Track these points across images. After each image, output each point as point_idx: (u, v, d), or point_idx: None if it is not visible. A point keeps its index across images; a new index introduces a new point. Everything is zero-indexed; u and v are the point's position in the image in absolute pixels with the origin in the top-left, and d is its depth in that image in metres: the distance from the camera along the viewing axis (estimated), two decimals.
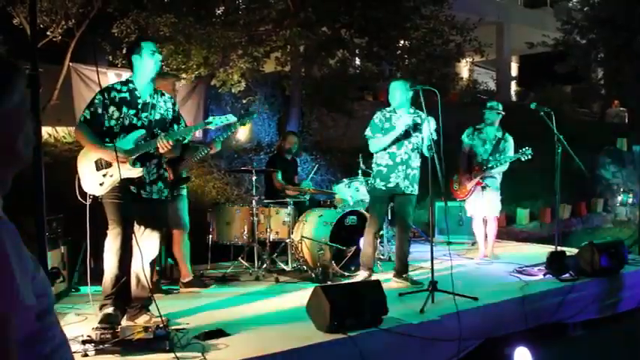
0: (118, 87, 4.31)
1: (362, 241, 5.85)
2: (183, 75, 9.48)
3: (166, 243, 5.55)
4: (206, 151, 5.75)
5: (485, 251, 7.05)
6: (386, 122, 5.67)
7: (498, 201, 6.96)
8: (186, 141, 4.56)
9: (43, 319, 1.26)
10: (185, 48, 9.18)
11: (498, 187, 6.94)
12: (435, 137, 5.38)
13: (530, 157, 6.65)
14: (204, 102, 10.39)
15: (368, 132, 5.75)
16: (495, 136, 6.92)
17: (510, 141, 6.95)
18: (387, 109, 5.77)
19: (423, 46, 10.78)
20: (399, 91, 5.66)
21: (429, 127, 5.39)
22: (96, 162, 4.18)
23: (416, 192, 5.75)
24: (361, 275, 5.72)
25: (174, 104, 4.55)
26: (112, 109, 4.18)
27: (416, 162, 5.68)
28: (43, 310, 1.27)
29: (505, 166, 6.87)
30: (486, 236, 7.05)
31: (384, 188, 5.67)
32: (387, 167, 5.64)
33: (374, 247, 5.78)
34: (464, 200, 7.10)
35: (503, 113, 6.99)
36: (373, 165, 5.81)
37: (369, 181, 5.95)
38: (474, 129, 7.02)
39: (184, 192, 5.70)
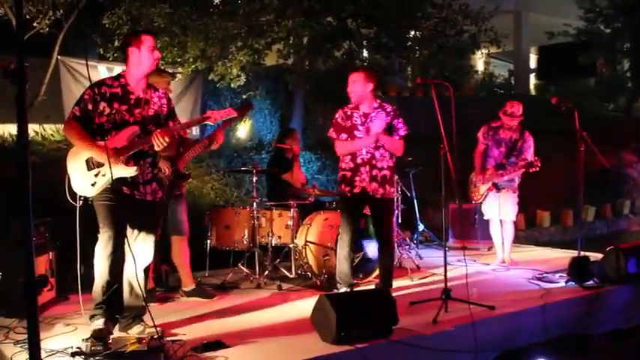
0: (110, 82, 4.32)
1: (338, 256, 5.54)
2: (179, 69, 9.50)
3: (163, 249, 5.57)
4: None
5: (503, 256, 7.04)
6: (347, 120, 5.46)
7: (515, 204, 6.91)
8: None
9: None
10: (181, 40, 9.20)
11: (516, 188, 6.90)
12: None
13: (538, 169, 6.64)
14: (201, 97, 10.40)
15: (332, 133, 5.51)
16: (511, 137, 6.88)
17: (529, 141, 6.86)
18: (349, 105, 5.54)
19: (435, 37, 10.75)
20: (357, 84, 5.43)
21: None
22: (87, 161, 4.19)
23: (391, 195, 5.52)
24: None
25: (168, 100, 4.57)
26: (102, 104, 4.19)
27: (384, 162, 5.40)
28: None
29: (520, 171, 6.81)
30: (503, 241, 7.02)
31: (349, 195, 5.41)
32: (351, 170, 5.39)
33: (350, 261, 5.48)
34: (480, 202, 7.08)
35: (521, 118, 6.89)
36: (339, 169, 5.55)
37: (335, 188, 5.75)
38: (489, 128, 6.98)
39: (183, 193, 5.70)
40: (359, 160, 5.36)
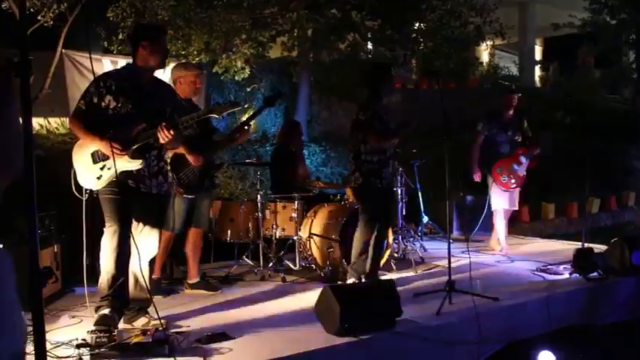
0: (115, 74, 4.33)
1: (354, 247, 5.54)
2: (183, 61, 9.49)
3: (174, 242, 5.58)
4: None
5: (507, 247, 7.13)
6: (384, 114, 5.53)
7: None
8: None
9: None
10: (185, 33, 9.21)
11: None
12: None
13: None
14: (205, 90, 10.41)
15: (374, 124, 5.42)
16: (510, 117, 7.09)
17: (525, 122, 7.17)
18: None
19: (439, 29, 10.74)
20: (376, 77, 5.55)
21: None
22: (92, 154, 4.20)
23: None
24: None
25: (174, 93, 4.57)
26: (108, 97, 4.18)
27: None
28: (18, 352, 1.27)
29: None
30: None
31: (380, 186, 5.46)
32: (380, 162, 5.45)
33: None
34: (507, 190, 7.14)
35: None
36: (360, 161, 5.48)
37: (356, 179, 5.52)
38: (488, 118, 7.09)
39: (213, 184, 5.74)
40: (388, 153, 5.51)
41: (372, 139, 5.42)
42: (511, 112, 7.09)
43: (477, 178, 7.16)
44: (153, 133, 4.15)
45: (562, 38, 19.90)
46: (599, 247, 6.31)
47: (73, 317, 4.63)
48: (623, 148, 13.94)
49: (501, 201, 7.05)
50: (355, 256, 5.53)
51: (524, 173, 7.03)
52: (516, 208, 7.21)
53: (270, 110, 12.08)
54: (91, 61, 3.72)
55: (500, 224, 7.16)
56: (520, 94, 7.19)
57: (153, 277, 5.06)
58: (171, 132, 4.12)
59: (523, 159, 6.99)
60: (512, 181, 6.99)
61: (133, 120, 4.19)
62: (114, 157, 3.96)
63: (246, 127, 5.66)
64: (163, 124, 4.12)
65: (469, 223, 8.29)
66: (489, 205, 7.20)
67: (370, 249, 5.47)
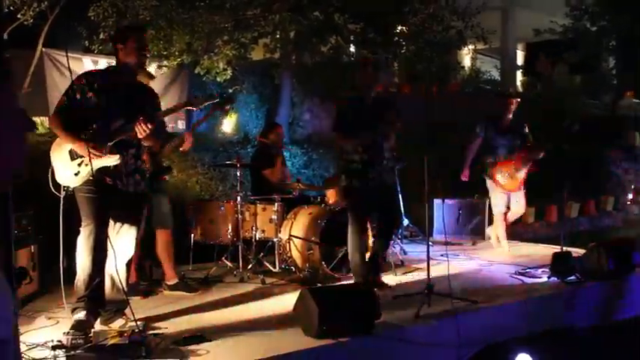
0: (97, 73, 4.36)
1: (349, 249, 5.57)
2: (165, 62, 9.47)
3: (147, 243, 5.54)
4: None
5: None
6: (353, 113, 5.46)
7: None
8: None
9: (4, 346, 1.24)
10: (167, 33, 9.15)
11: None
12: None
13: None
14: (187, 91, 10.37)
15: (337, 125, 5.46)
16: (510, 121, 7.19)
17: (526, 127, 7.25)
18: (353, 96, 5.60)
19: (421, 33, 10.76)
20: (358, 74, 5.53)
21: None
22: (70, 151, 4.18)
23: (394, 179, 5.77)
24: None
25: (154, 93, 4.57)
26: (90, 95, 4.19)
27: (388, 152, 5.57)
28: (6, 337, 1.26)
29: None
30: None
31: (365, 187, 5.44)
32: (363, 162, 5.41)
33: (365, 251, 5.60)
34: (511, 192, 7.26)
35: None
36: (343, 161, 5.52)
37: (342, 180, 5.57)
38: (487, 121, 7.19)
39: (164, 186, 5.70)
40: (371, 151, 5.43)
41: (336, 139, 5.50)
42: (510, 116, 7.16)
43: (464, 177, 7.26)
44: (130, 127, 4.14)
45: (543, 44, 20.07)
46: (577, 251, 6.35)
47: (50, 318, 4.60)
48: (603, 154, 14.08)
49: (501, 203, 7.17)
50: (354, 265, 5.54)
51: (524, 177, 7.16)
52: (523, 211, 7.45)
53: (252, 112, 12.07)
54: (68, 60, 3.72)
55: (500, 228, 7.38)
56: (519, 99, 7.26)
57: (130, 282, 5.04)
58: (149, 126, 4.12)
59: (524, 162, 7.12)
60: (511, 183, 7.10)
61: (113, 117, 4.19)
62: (90, 158, 3.96)
63: (185, 138, 5.68)
64: (141, 118, 4.11)
65: (449, 226, 8.33)
66: (490, 209, 7.34)
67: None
